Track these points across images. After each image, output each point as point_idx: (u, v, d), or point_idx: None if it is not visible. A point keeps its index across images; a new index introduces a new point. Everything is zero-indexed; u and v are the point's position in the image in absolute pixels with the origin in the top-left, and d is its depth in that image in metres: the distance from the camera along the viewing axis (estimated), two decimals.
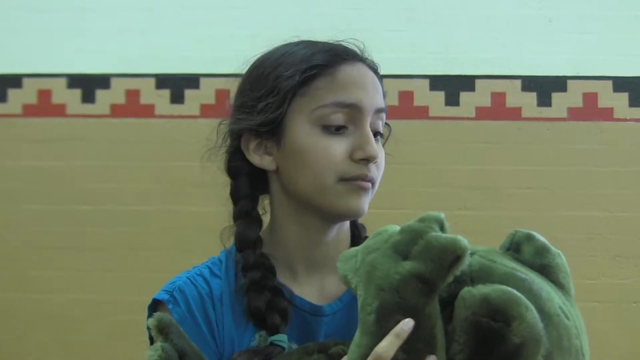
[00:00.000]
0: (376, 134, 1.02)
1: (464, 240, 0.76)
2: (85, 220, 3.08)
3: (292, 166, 1.00)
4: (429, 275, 0.76)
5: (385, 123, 1.08)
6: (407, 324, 0.75)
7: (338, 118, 0.98)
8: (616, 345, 2.95)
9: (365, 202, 1.00)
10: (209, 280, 1.03)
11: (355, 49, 1.05)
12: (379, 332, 0.77)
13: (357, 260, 0.84)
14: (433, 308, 0.76)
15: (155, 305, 1.02)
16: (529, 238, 0.87)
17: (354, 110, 0.99)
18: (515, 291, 0.75)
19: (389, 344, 0.75)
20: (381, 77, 1.06)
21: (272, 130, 1.01)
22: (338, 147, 0.98)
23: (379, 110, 1.02)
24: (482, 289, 0.75)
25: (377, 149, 1.00)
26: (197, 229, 2.39)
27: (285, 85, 0.99)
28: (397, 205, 2.71)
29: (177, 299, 1.00)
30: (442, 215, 0.82)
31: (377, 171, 1.01)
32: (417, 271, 0.76)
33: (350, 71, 1.00)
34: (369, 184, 0.99)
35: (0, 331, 3.07)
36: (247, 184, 1.05)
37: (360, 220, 1.13)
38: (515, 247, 0.88)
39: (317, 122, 0.98)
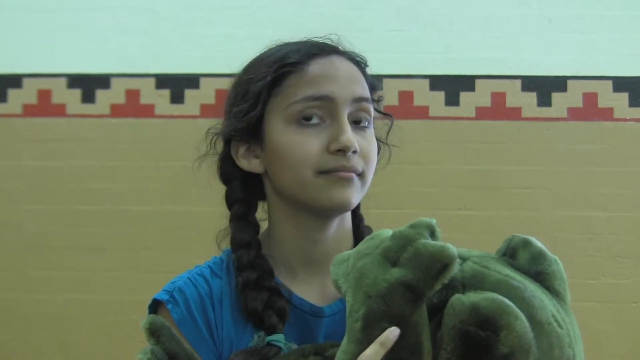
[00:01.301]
0: (358, 123, 1.01)
1: (452, 249, 0.76)
2: (85, 220, 3.08)
3: (274, 166, 1.01)
4: (416, 283, 0.75)
5: (388, 114, 1.08)
6: (392, 333, 0.75)
7: (311, 112, 0.98)
8: (616, 345, 2.95)
9: (351, 193, 0.98)
10: (209, 280, 1.03)
11: (330, 42, 1.05)
12: (364, 339, 0.77)
13: (348, 265, 0.83)
14: (420, 316, 0.76)
15: (155, 305, 1.02)
16: (526, 244, 0.86)
17: (327, 102, 0.98)
18: (505, 300, 0.75)
19: (373, 352, 0.75)
20: (365, 67, 1.05)
21: (254, 134, 1.02)
22: (313, 140, 0.97)
23: (358, 100, 1.00)
24: (472, 297, 0.75)
25: (362, 139, 1.00)
26: (197, 229, 2.38)
27: (257, 87, 1.00)
28: (397, 205, 2.71)
29: (177, 299, 1.00)
30: (434, 221, 0.82)
31: (362, 161, 0.99)
32: (404, 279, 0.76)
33: (322, 64, 1.00)
34: (351, 174, 0.98)
35: (0, 331, 3.07)
36: (240, 188, 1.06)
37: None
38: (511, 253, 0.86)
39: (291, 119, 0.98)
